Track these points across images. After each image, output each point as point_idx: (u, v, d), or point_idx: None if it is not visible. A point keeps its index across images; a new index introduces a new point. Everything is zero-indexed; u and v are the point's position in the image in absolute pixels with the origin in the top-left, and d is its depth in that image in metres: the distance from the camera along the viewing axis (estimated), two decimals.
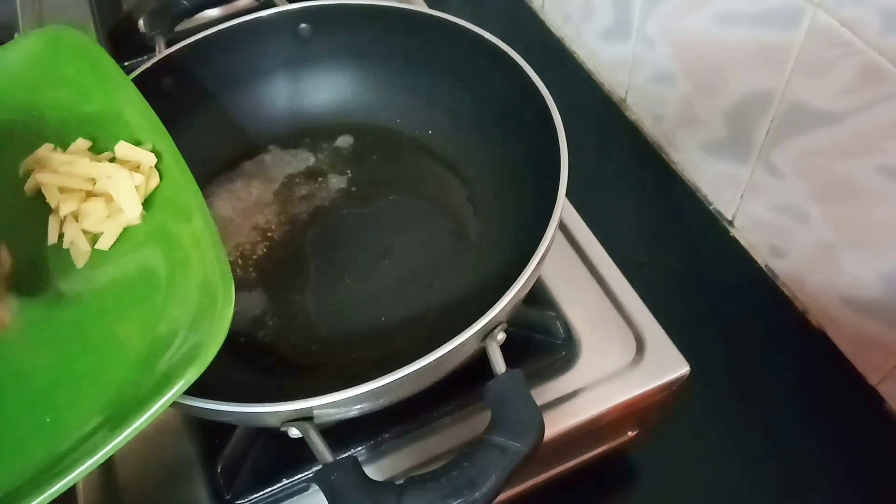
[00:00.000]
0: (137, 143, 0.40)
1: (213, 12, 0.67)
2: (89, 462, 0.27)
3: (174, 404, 0.34)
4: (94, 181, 0.37)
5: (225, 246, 0.50)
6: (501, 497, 0.33)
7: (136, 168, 0.38)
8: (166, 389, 0.28)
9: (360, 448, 0.44)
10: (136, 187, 0.37)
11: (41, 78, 0.44)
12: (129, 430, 0.27)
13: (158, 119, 0.40)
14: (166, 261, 0.34)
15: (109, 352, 0.32)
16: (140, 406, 0.28)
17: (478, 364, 0.37)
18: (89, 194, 0.37)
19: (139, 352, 0.31)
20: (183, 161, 0.38)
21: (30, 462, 0.28)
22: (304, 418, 0.34)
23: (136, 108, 0.41)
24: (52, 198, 0.38)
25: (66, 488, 0.26)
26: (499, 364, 0.36)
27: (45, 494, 0.26)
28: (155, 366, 0.30)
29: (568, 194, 0.40)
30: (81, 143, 0.40)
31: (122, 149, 0.39)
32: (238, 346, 0.46)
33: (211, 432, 0.45)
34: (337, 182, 0.54)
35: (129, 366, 0.31)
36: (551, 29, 0.85)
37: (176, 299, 0.32)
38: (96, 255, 0.36)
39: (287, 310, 0.48)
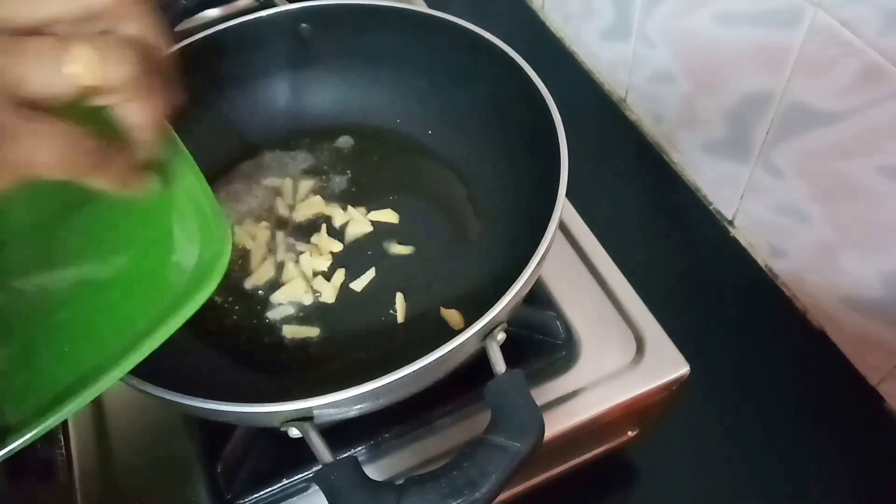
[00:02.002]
0: None
1: (213, 12, 0.67)
2: (104, 381, 0.30)
3: (176, 405, 0.34)
4: None
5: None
6: (501, 497, 0.33)
7: None
8: (176, 315, 0.31)
9: (360, 448, 0.44)
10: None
11: None
12: (147, 346, 0.30)
13: None
14: (169, 213, 0.36)
15: (123, 291, 0.34)
16: (153, 330, 0.31)
17: (478, 364, 0.38)
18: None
19: (149, 291, 0.34)
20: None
21: (52, 385, 0.31)
22: (304, 418, 0.34)
23: None
24: None
25: (84, 404, 0.30)
26: (499, 364, 0.36)
27: (71, 406, 0.29)
28: (163, 301, 0.32)
29: (568, 194, 0.40)
30: None
31: None
32: (238, 346, 0.46)
33: (211, 432, 0.45)
34: (337, 182, 0.54)
35: (140, 302, 0.33)
36: (551, 29, 0.85)
37: (181, 246, 0.35)
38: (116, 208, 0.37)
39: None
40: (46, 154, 0.26)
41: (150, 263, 0.35)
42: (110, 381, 0.30)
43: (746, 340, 0.61)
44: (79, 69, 0.26)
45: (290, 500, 0.43)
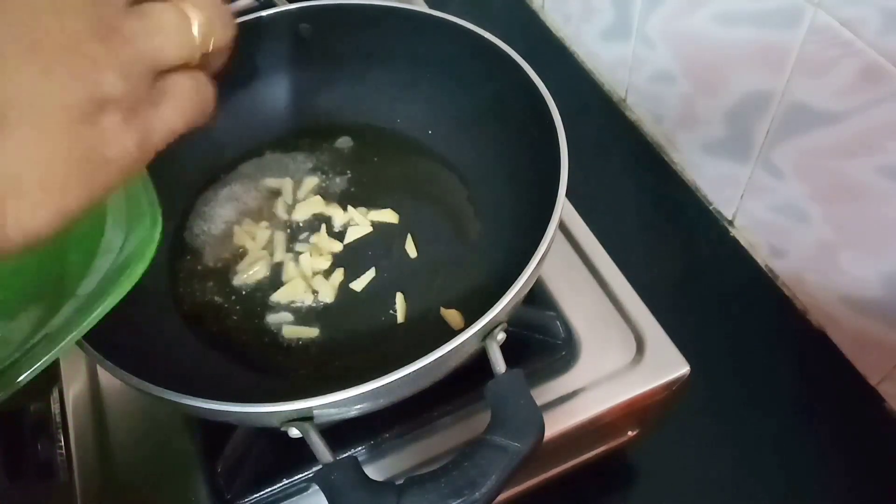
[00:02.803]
0: None
1: None
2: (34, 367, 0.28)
3: (176, 405, 0.34)
4: None
5: (225, 248, 0.50)
6: (501, 497, 0.33)
7: None
8: (96, 306, 0.29)
9: (360, 448, 0.44)
10: None
11: None
12: (83, 325, 0.29)
13: None
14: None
15: (52, 269, 0.33)
16: (82, 314, 0.29)
17: (478, 364, 0.38)
18: None
19: (81, 270, 0.32)
20: None
21: None
22: (304, 418, 0.34)
23: None
24: None
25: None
26: (499, 364, 0.36)
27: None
28: (92, 285, 0.31)
29: (568, 194, 0.40)
30: None
31: None
32: (239, 346, 0.46)
33: (211, 432, 0.45)
34: (337, 182, 0.54)
35: (71, 281, 0.32)
36: (551, 29, 0.85)
37: (112, 224, 0.33)
38: None
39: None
40: (188, 110, 0.26)
41: (82, 245, 0.33)
42: (46, 364, 0.29)
43: (746, 340, 0.61)
44: (199, 35, 0.26)
45: (290, 500, 0.43)
